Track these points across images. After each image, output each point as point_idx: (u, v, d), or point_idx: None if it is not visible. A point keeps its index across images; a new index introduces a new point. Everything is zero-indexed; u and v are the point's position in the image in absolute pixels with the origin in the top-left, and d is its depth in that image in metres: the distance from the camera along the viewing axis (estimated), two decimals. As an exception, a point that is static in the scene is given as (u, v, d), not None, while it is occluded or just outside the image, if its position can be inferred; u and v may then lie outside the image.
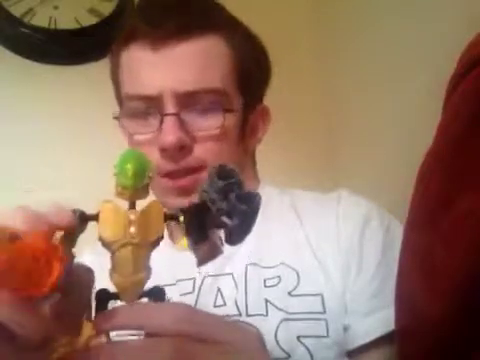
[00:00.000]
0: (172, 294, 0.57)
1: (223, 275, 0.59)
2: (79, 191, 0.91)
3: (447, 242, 0.40)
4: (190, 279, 0.60)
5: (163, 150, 0.60)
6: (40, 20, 1.14)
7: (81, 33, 1.16)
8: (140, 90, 0.62)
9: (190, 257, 0.58)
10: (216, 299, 0.58)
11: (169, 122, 0.59)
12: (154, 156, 0.60)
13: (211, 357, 0.36)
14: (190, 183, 0.61)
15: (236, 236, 0.38)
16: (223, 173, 0.38)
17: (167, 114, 0.60)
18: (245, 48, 0.66)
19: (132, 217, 0.36)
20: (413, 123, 0.86)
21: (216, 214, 0.37)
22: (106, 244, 0.36)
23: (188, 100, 0.60)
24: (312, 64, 1.27)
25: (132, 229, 0.36)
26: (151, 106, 0.61)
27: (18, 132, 1.10)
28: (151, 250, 0.37)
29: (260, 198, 0.37)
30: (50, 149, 1.10)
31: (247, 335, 0.40)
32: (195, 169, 0.61)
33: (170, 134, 0.59)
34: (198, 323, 0.36)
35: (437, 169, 0.43)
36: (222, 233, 0.38)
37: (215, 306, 0.57)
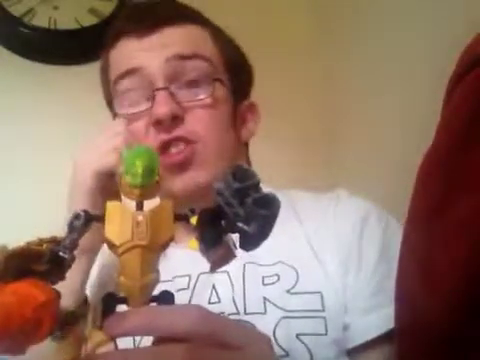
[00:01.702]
0: None
1: (218, 272, 0.59)
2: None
3: (446, 242, 0.40)
4: (185, 276, 0.60)
5: (157, 122, 0.61)
6: (40, 20, 1.14)
7: (81, 33, 1.16)
8: (128, 66, 0.63)
9: (186, 254, 0.59)
10: (211, 296, 0.58)
11: (160, 95, 0.61)
12: (148, 136, 0.62)
13: None
14: (182, 158, 0.62)
15: (252, 242, 0.36)
16: (239, 174, 0.35)
17: (158, 89, 0.61)
18: (229, 47, 0.69)
19: (140, 218, 0.34)
20: (413, 123, 0.86)
21: (233, 219, 0.34)
22: (112, 246, 0.34)
23: (176, 72, 0.62)
24: (311, 64, 1.27)
25: (140, 230, 0.34)
26: (141, 86, 0.63)
27: (18, 132, 1.10)
28: (160, 252, 0.35)
29: (279, 202, 0.35)
30: (50, 149, 1.10)
31: (260, 340, 0.38)
32: (187, 141, 0.62)
33: (162, 105, 0.60)
34: (212, 327, 0.34)
35: (436, 169, 0.43)
36: (236, 237, 0.36)
37: (210, 303, 0.57)
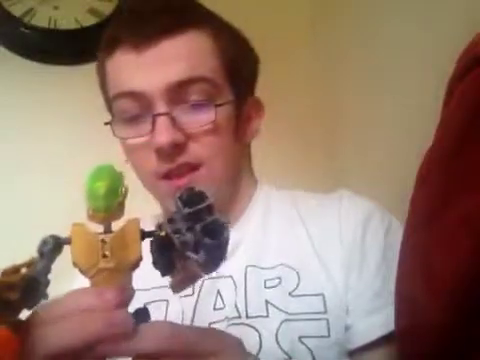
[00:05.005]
0: (173, 297, 0.57)
1: (222, 277, 0.59)
2: (79, 193, 0.91)
3: (446, 243, 0.40)
4: None
5: (158, 150, 0.58)
6: (40, 20, 1.14)
7: (81, 33, 1.16)
8: (126, 87, 0.60)
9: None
10: (216, 302, 0.58)
11: (161, 122, 0.58)
12: (151, 159, 0.59)
13: None
14: (188, 183, 0.59)
15: (207, 267, 0.35)
16: (190, 198, 0.35)
17: (158, 114, 0.58)
18: (229, 42, 0.65)
19: (106, 240, 0.34)
20: (413, 123, 0.86)
21: (181, 248, 0.34)
22: (81, 271, 0.35)
23: (178, 96, 0.59)
24: (312, 64, 1.27)
25: (106, 253, 0.34)
26: (141, 106, 0.60)
27: (18, 132, 1.10)
28: (131, 272, 0.35)
29: (228, 230, 0.34)
30: (50, 150, 1.10)
31: (232, 344, 0.39)
32: (193, 166, 0.60)
33: (163, 133, 0.57)
34: (181, 340, 0.36)
35: (436, 169, 0.43)
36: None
37: (215, 309, 0.57)
